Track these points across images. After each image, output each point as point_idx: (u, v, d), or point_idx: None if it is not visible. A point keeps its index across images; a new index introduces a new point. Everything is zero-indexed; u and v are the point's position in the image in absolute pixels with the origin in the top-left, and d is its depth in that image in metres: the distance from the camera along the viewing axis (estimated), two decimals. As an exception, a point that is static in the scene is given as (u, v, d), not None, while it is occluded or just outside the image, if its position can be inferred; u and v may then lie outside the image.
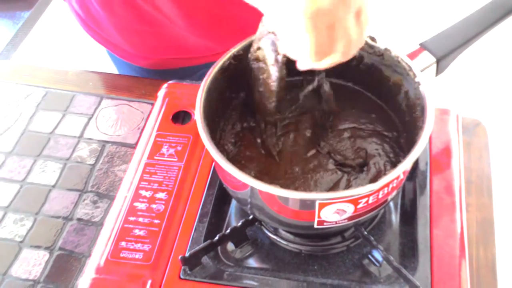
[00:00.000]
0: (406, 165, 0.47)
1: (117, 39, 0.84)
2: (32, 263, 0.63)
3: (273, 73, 0.54)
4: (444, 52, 0.58)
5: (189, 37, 0.80)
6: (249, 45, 0.58)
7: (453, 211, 0.58)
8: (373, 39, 0.56)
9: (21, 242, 0.65)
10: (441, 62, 0.58)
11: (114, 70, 0.95)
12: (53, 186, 0.71)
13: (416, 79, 0.53)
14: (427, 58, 0.57)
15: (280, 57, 0.53)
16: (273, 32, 0.53)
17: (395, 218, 0.60)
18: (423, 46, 0.58)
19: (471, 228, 0.62)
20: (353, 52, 0.46)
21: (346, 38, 0.44)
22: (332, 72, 0.62)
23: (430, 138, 0.64)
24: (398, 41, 0.87)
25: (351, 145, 0.58)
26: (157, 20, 0.77)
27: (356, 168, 0.56)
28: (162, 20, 0.77)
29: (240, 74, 0.59)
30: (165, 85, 0.73)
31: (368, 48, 0.57)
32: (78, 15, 0.86)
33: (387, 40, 0.56)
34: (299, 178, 0.55)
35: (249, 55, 0.57)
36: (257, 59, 0.56)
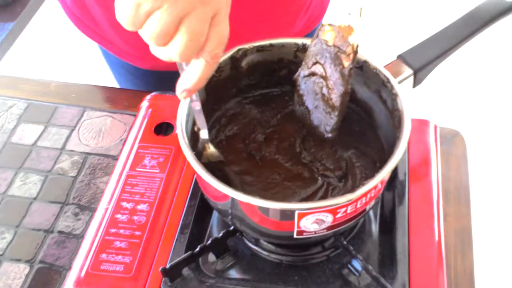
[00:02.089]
0: (383, 175, 0.48)
1: (112, 36, 0.83)
2: (12, 276, 0.63)
3: (338, 87, 0.54)
4: (421, 64, 0.59)
5: None
6: (232, 57, 0.58)
7: (431, 221, 0.59)
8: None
9: (1, 255, 0.65)
10: (418, 74, 0.59)
11: (105, 78, 0.95)
12: (34, 199, 0.70)
13: (394, 91, 0.54)
14: (404, 70, 0.58)
15: (346, 71, 0.53)
16: (333, 45, 0.53)
17: (374, 227, 0.61)
18: (401, 58, 0.59)
19: (449, 237, 0.63)
20: (192, 49, 0.44)
21: (190, 30, 0.42)
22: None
23: (409, 148, 0.65)
24: (376, 53, 0.88)
25: (332, 155, 0.59)
26: None
27: (336, 178, 0.56)
28: None
29: (221, 86, 0.60)
30: (148, 96, 0.74)
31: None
32: (72, 13, 0.84)
33: (365, 52, 0.57)
34: (279, 185, 0.56)
35: (301, 71, 0.57)
36: (313, 74, 0.56)
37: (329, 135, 0.57)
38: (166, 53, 0.44)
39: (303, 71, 0.57)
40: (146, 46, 0.88)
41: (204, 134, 0.54)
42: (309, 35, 0.86)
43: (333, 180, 0.56)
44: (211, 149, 0.55)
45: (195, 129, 0.55)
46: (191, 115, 0.56)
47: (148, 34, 0.43)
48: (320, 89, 0.56)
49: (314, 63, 0.56)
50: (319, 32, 0.54)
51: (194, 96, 0.52)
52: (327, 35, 0.54)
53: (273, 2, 0.75)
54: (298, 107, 0.60)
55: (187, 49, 0.43)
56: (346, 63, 0.53)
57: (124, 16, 0.42)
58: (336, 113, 0.55)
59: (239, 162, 0.58)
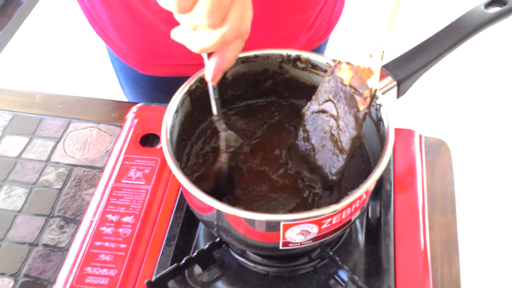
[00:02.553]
0: (368, 185, 0.48)
1: (114, 36, 0.82)
2: (-4, 290, 0.62)
3: (350, 130, 0.52)
4: (405, 74, 0.59)
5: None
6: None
7: (417, 230, 0.59)
8: (335, 61, 0.58)
9: (-16, 269, 0.64)
10: (402, 84, 0.59)
11: (93, 89, 0.95)
12: (19, 211, 0.70)
13: (378, 101, 0.54)
14: (388, 81, 0.59)
15: (361, 115, 0.51)
16: (349, 85, 0.51)
17: (361, 237, 0.61)
18: (384, 69, 0.60)
19: (436, 247, 0.63)
20: (245, 26, 0.46)
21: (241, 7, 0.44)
22: (293, 93, 0.64)
23: (394, 158, 0.66)
24: (360, 63, 0.89)
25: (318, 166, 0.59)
26: (152, 24, 0.75)
27: (321, 189, 0.56)
28: (158, 25, 0.75)
29: (206, 97, 0.60)
30: (134, 108, 0.74)
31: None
32: (85, 8, 0.84)
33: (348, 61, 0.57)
34: (265, 197, 0.56)
35: (310, 105, 0.55)
36: (323, 111, 0.54)
37: (334, 177, 0.54)
38: (190, 19, 0.44)
39: (313, 106, 0.55)
40: (145, 51, 0.86)
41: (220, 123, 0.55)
42: (314, 51, 0.86)
43: (319, 190, 0.56)
44: (228, 133, 0.55)
45: (214, 119, 0.55)
46: (176, 127, 0.56)
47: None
48: (329, 129, 0.54)
49: (326, 101, 0.53)
50: (334, 68, 0.52)
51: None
52: (344, 73, 0.52)
53: (275, 15, 0.75)
54: (302, 142, 0.57)
55: (211, 13, 0.43)
56: (362, 107, 0.50)
57: None
58: (344, 156, 0.53)
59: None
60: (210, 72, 0.49)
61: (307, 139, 0.57)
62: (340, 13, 0.87)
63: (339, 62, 0.52)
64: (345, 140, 0.52)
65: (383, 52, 0.49)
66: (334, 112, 0.53)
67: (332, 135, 0.54)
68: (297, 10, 0.75)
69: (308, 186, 0.57)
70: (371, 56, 0.50)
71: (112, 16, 0.78)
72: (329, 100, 0.53)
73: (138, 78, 0.88)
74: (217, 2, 0.43)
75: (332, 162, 0.54)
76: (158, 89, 0.87)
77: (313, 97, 0.55)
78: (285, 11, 0.74)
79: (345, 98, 0.52)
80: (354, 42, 1.91)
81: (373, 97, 0.50)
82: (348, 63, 0.52)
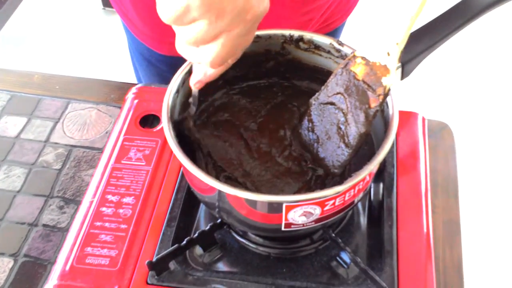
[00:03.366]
0: (371, 167, 0.48)
1: (133, 15, 0.81)
2: (-4, 270, 0.62)
3: (358, 126, 0.50)
4: (409, 56, 0.58)
5: None
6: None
7: (419, 213, 0.59)
8: (340, 43, 0.57)
9: (-16, 249, 0.64)
10: (406, 66, 0.58)
11: (92, 69, 0.93)
12: (18, 192, 0.69)
13: (382, 82, 0.54)
14: (392, 62, 0.58)
15: (372, 112, 0.50)
16: (362, 80, 0.50)
17: (363, 220, 0.61)
18: (389, 50, 0.59)
19: (438, 230, 0.63)
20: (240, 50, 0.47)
21: (228, 44, 0.44)
22: (296, 74, 0.63)
23: (397, 141, 0.65)
24: (363, 44, 0.88)
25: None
26: None
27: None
28: None
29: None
30: (133, 88, 0.73)
31: (335, 52, 0.57)
32: None
33: (353, 43, 0.56)
34: (269, 178, 0.55)
35: (318, 96, 0.53)
36: (332, 104, 0.52)
37: (336, 170, 0.53)
38: (195, 56, 0.46)
39: (321, 97, 0.53)
40: (163, 28, 0.85)
41: (192, 110, 0.55)
42: (329, 34, 0.84)
43: (322, 173, 0.56)
44: (191, 124, 0.55)
45: (189, 100, 0.55)
46: (177, 107, 0.55)
47: (185, 36, 0.44)
48: (337, 122, 0.52)
49: (336, 93, 0.52)
50: (348, 62, 0.51)
51: None
52: (358, 68, 0.50)
53: (292, 2, 0.73)
54: (306, 132, 0.56)
55: (219, 58, 0.45)
56: (373, 104, 0.49)
57: (168, 12, 0.42)
58: (350, 151, 0.52)
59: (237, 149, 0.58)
60: (194, 80, 0.51)
61: (311, 129, 0.55)
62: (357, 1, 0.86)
63: (354, 56, 0.51)
64: (353, 136, 0.51)
65: (401, 51, 0.48)
66: (343, 106, 0.52)
67: (339, 128, 0.53)
68: None
69: (311, 169, 0.56)
70: (388, 54, 0.49)
71: None
72: (339, 93, 0.52)
73: (154, 58, 0.86)
74: (213, 25, 0.42)
75: (336, 155, 0.53)
76: (174, 70, 0.86)
77: (322, 88, 0.54)
78: None
79: (356, 93, 0.51)
80: (371, 28, 1.90)
81: (386, 95, 0.50)
82: (363, 58, 0.50)
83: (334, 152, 0.53)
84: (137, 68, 0.94)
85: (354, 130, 0.51)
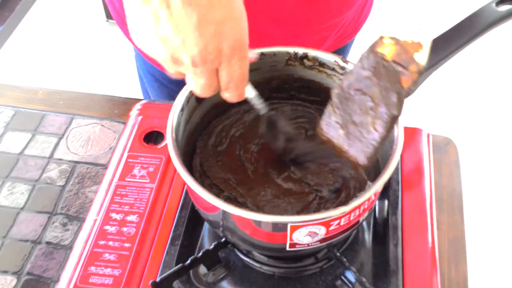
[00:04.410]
0: (377, 186, 0.47)
1: None
2: (-1, 289, 0.62)
3: (389, 109, 0.48)
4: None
5: None
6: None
7: (425, 230, 0.58)
8: (344, 60, 0.57)
9: (-13, 267, 0.63)
10: (411, 83, 0.58)
11: (95, 85, 0.93)
12: (22, 209, 0.69)
13: (386, 101, 0.53)
14: (397, 79, 0.58)
15: (404, 92, 0.47)
16: (392, 61, 0.47)
17: (368, 238, 0.60)
18: (393, 67, 0.59)
19: (443, 246, 0.62)
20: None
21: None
22: (303, 93, 0.63)
23: (402, 157, 0.65)
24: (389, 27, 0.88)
25: (324, 169, 0.58)
26: None
27: (328, 192, 0.56)
28: None
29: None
30: (138, 104, 0.73)
31: (339, 69, 0.57)
32: (114, 8, 0.82)
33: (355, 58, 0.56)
34: (271, 200, 0.55)
35: (341, 87, 0.50)
36: (359, 90, 0.49)
37: (365, 161, 0.49)
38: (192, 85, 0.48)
39: (345, 85, 0.50)
40: None
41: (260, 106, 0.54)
42: (337, 52, 0.84)
43: (326, 193, 0.55)
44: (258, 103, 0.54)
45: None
46: (182, 125, 0.55)
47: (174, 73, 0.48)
48: (364, 108, 0.49)
49: (364, 78, 0.49)
50: (375, 44, 0.48)
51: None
52: (386, 49, 0.48)
53: (309, 19, 0.73)
54: (327, 126, 0.51)
55: (208, 88, 0.48)
56: (406, 83, 0.46)
57: (159, 56, 0.45)
58: (379, 139, 0.48)
59: (233, 172, 0.58)
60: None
61: (335, 121, 0.51)
62: (368, 14, 0.86)
63: (381, 37, 0.48)
64: (383, 120, 0.48)
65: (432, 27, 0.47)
66: (372, 90, 0.48)
67: (367, 114, 0.49)
68: (332, 13, 0.73)
69: (315, 190, 0.56)
70: (421, 29, 0.47)
71: None
72: (367, 77, 0.48)
73: (165, 79, 0.86)
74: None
75: (364, 146, 0.49)
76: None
77: (345, 75, 0.51)
78: (320, 13, 0.72)
79: (386, 74, 0.47)
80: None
81: (421, 73, 0.47)
82: (392, 38, 0.48)
83: (362, 143, 0.49)
84: (148, 89, 0.95)
85: (384, 114, 0.48)
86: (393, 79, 0.47)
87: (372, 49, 0.48)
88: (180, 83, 0.85)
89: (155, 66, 0.85)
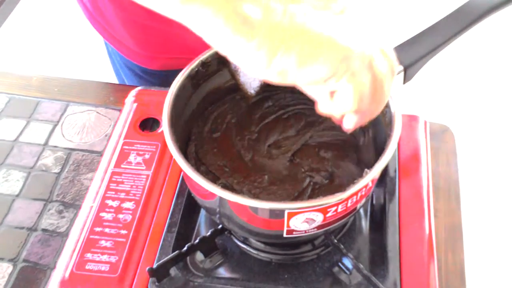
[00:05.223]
0: (374, 173, 0.47)
1: (123, 36, 0.80)
2: (-5, 276, 0.61)
3: None
4: (412, 60, 0.58)
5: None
6: (218, 52, 0.57)
7: (422, 217, 0.58)
8: None
9: (-17, 254, 0.63)
10: (409, 70, 0.58)
11: (90, 71, 0.93)
12: (17, 196, 0.68)
13: (384, 87, 0.53)
14: (394, 66, 0.57)
15: None
16: None
17: (365, 225, 0.60)
18: (391, 54, 0.58)
19: (440, 234, 0.62)
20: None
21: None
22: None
23: (399, 144, 0.65)
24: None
25: (317, 155, 0.58)
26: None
27: (322, 178, 0.55)
28: None
29: (208, 81, 0.59)
30: (133, 91, 0.72)
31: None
32: (85, 7, 0.82)
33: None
34: (267, 187, 0.55)
35: None
36: None
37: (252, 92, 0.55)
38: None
39: None
40: (157, 45, 0.85)
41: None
42: None
43: (319, 179, 0.55)
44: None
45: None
46: (177, 111, 0.55)
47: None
48: None
49: None
50: None
51: None
52: None
53: None
54: None
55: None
56: None
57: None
58: None
59: (229, 158, 0.57)
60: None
61: None
62: None
63: None
64: None
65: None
66: None
67: None
68: None
69: (309, 176, 0.55)
70: None
71: (123, 14, 0.76)
72: None
73: (145, 73, 0.86)
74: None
75: None
76: (166, 82, 0.86)
77: None
78: None
79: None
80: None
81: None
82: None
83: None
84: (125, 80, 0.94)
85: None
86: None
87: None
88: (159, 76, 0.85)
89: (130, 60, 0.84)
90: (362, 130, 0.58)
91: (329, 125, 0.59)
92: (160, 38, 0.79)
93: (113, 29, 0.81)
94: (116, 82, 0.98)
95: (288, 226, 0.48)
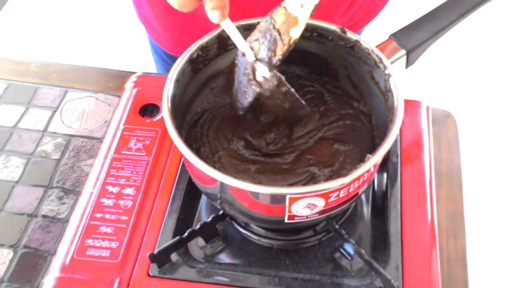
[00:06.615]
0: (376, 158, 0.47)
1: (151, 18, 0.80)
2: (-5, 262, 0.61)
3: (263, 71, 0.51)
4: (414, 44, 0.57)
5: None
6: (217, 36, 0.56)
7: (424, 203, 0.58)
8: (343, 30, 0.56)
9: (-17, 240, 0.63)
10: (411, 54, 0.57)
11: (89, 58, 0.92)
12: (17, 182, 0.68)
13: (386, 71, 0.53)
14: (397, 50, 0.57)
15: (274, 60, 0.51)
16: (277, 29, 0.50)
17: (366, 210, 0.60)
18: (393, 38, 0.58)
19: (442, 220, 0.62)
20: None
21: None
22: (300, 65, 0.62)
23: (401, 130, 0.64)
24: (367, 32, 0.86)
25: (320, 142, 0.57)
26: None
27: (321, 165, 0.55)
28: None
29: (208, 65, 0.58)
30: (132, 77, 0.71)
31: (339, 40, 0.56)
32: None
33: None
34: (269, 170, 0.55)
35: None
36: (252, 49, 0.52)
37: (239, 112, 0.55)
38: None
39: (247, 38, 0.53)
40: (181, 31, 0.84)
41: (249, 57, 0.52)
42: None
43: (317, 171, 0.55)
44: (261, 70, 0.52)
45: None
46: (177, 96, 0.54)
47: None
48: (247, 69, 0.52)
49: (256, 40, 0.52)
50: (274, 10, 0.52)
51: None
52: (278, 17, 0.51)
53: None
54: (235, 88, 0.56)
55: None
56: (279, 52, 0.50)
57: None
58: (250, 99, 0.52)
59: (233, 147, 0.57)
60: (211, 15, 0.49)
61: (232, 78, 0.56)
62: (382, 6, 0.83)
63: (279, 5, 0.51)
64: (252, 90, 0.52)
65: (315, 5, 0.49)
66: (257, 52, 0.52)
67: (248, 74, 0.53)
68: None
69: (310, 165, 0.55)
70: (302, 6, 0.49)
71: None
72: (256, 39, 0.52)
73: (171, 59, 0.85)
74: None
75: (242, 101, 0.54)
76: None
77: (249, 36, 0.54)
78: None
79: (269, 39, 0.51)
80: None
81: (290, 46, 0.50)
82: (285, 8, 0.51)
83: (241, 99, 0.54)
84: (157, 67, 0.94)
85: (258, 77, 0.51)
86: (272, 46, 0.51)
87: (271, 14, 0.52)
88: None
89: (162, 48, 0.84)
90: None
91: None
92: (183, 23, 0.78)
93: (146, 12, 0.80)
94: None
95: (289, 211, 0.48)
